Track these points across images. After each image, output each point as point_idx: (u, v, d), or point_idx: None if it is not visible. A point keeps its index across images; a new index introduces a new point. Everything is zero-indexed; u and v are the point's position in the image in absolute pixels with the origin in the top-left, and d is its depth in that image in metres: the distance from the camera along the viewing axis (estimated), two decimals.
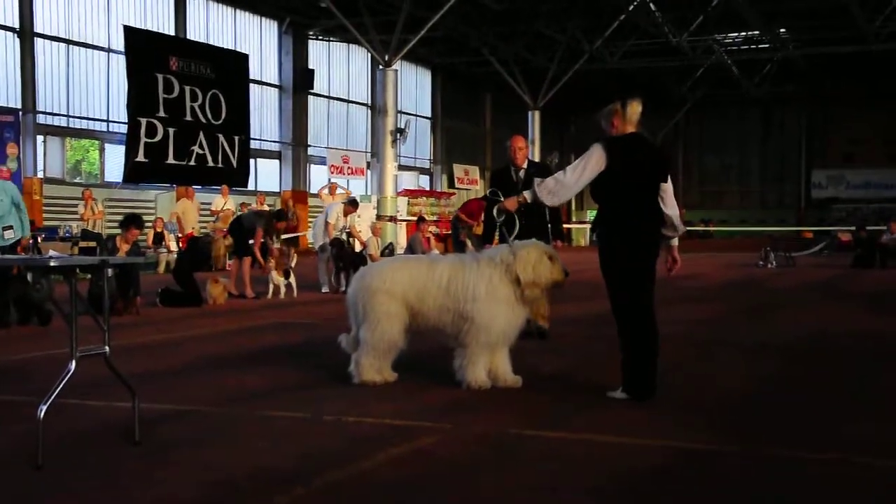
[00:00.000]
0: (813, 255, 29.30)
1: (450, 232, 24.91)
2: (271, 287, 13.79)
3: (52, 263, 4.59)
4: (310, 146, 30.94)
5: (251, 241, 13.87)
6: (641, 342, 5.85)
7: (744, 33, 34.17)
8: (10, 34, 21.76)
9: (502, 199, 6.49)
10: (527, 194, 6.07)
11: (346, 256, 14.89)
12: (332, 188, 24.97)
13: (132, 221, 11.91)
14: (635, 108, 5.91)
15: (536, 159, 36.28)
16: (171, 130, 22.08)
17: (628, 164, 5.83)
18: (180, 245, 20.04)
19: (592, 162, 5.82)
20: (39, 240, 18.27)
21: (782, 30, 33.24)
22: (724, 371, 7.30)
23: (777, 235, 28.75)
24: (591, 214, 43.27)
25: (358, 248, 17.09)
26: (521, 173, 8.62)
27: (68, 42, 23.23)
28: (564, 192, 5.89)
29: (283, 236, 15.79)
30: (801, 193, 45.39)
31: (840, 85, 40.97)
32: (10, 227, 10.34)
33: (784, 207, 45.26)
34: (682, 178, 47.17)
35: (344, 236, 15.16)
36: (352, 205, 16.03)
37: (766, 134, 46.29)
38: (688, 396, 6.15)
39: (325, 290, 14.84)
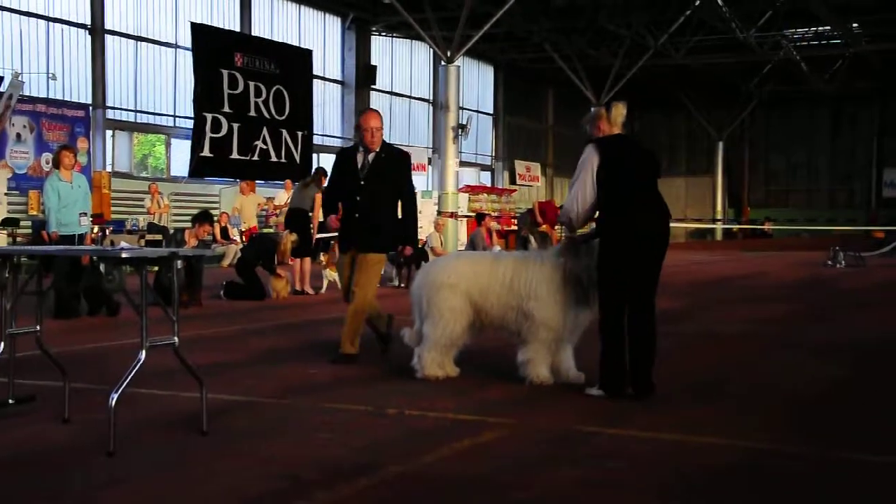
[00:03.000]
0: (884, 255, 28.59)
1: (511, 229, 24.88)
2: (325, 282, 13.88)
3: (123, 255, 4.67)
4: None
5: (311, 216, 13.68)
6: (638, 340, 5.77)
7: (814, 28, 33.44)
8: (81, 31, 22.25)
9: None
10: (567, 236, 6.26)
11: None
12: None
13: (205, 218, 12.14)
14: (620, 111, 6.01)
15: None
16: (235, 126, 22.34)
17: (619, 160, 5.85)
18: (243, 239, 20.32)
19: (589, 165, 5.84)
20: (108, 232, 18.68)
21: (854, 25, 32.46)
22: (789, 371, 7.15)
23: (846, 235, 28.06)
24: None
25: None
26: (371, 157, 7.17)
27: (137, 39, 23.67)
28: (583, 206, 5.88)
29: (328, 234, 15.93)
30: (872, 192, 44.28)
31: None
32: (85, 214, 10.58)
33: (854, 207, 44.19)
34: (747, 176, 46.40)
35: None
36: None
37: (835, 132, 45.23)
38: (752, 396, 6.06)
39: (395, 284, 15.00)
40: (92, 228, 12.96)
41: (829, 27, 32.30)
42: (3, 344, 4.93)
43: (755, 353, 8.03)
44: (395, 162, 7.29)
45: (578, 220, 5.99)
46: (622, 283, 5.82)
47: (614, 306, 5.82)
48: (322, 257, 14.36)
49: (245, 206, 22.35)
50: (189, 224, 13.00)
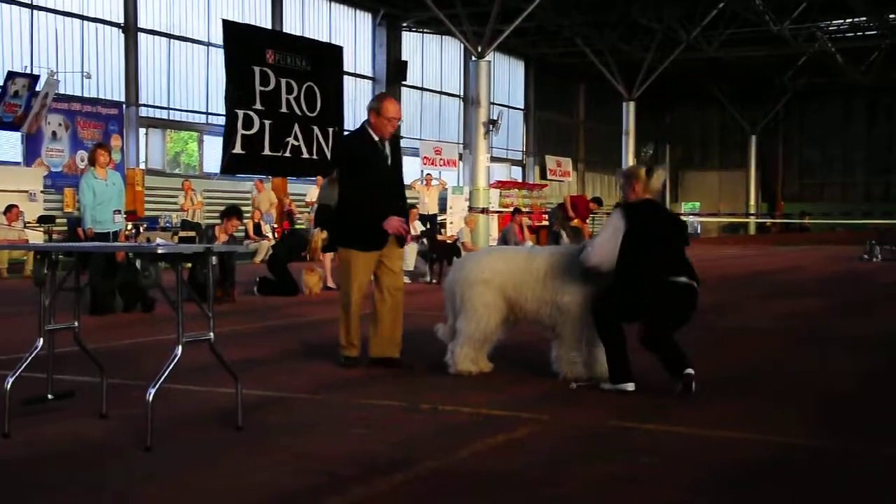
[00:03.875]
0: None
1: (543, 224, 24.81)
2: None
3: (159, 251, 4.71)
4: (402, 137, 31.07)
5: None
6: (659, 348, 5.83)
7: (849, 20, 33.00)
8: (115, 29, 22.46)
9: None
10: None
11: (439, 248, 14.94)
12: (427, 180, 25.20)
13: (234, 212, 12.20)
14: (660, 177, 6.03)
15: (631, 151, 35.75)
16: (266, 122, 22.46)
17: (645, 226, 5.85)
18: (275, 235, 20.44)
19: (615, 228, 5.85)
20: (142, 229, 18.86)
21: (892, 16, 32.00)
22: (821, 366, 7.09)
23: (883, 228, 27.70)
24: (685, 207, 42.49)
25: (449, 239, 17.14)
26: (387, 144, 6.94)
27: (170, 37, 23.86)
28: (605, 261, 5.87)
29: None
30: None
31: None
32: (119, 211, 10.68)
33: (891, 200, 43.60)
34: (781, 170, 45.94)
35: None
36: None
37: (871, 124, 44.65)
38: (784, 391, 6.03)
39: (427, 279, 14.96)
40: (126, 225, 13.09)
41: (864, 18, 31.87)
42: (41, 340, 4.99)
43: (787, 348, 7.96)
44: (399, 147, 7.14)
45: (601, 269, 5.97)
46: (620, 318, 5.89)
47: (607, 321, 5.88)
48: None
49: (259, 203, 22.54)
50: (219, 221, 13.09)
